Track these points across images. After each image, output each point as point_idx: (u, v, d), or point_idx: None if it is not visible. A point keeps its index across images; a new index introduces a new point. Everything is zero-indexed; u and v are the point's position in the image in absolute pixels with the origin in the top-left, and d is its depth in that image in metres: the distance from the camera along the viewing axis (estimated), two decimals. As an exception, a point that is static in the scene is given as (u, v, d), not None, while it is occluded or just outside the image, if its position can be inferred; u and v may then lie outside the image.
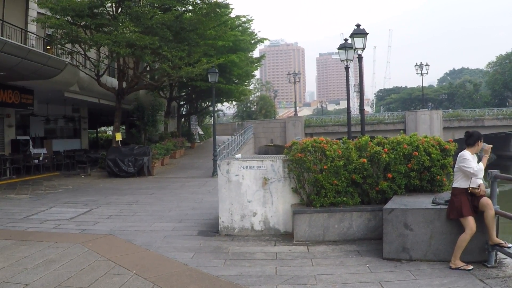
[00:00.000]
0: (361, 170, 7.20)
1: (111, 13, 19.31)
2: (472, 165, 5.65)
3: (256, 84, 79.05)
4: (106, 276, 5.57)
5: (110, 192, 14.25)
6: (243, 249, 6.85)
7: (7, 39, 14.03)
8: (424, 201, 6.42)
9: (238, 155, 8.78)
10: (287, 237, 7.54)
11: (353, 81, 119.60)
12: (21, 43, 17.26)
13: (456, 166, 5.94)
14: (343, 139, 7.90)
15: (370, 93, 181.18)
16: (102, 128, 50.37)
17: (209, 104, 40.75)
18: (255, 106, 74.42)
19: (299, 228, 7.21)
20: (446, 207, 5.91)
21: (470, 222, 5.60)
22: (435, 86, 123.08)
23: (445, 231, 5.88)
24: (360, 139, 7.60)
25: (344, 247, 6.77)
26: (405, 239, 5.99)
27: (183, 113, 42.25)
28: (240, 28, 33.94)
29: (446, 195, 6.20)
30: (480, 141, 5.92)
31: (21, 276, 5.62)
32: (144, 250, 6.87)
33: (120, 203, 11.88)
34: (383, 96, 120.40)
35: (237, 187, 7.87)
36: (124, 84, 21.76)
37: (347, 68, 15.96)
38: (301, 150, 7.37)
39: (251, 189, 7.84)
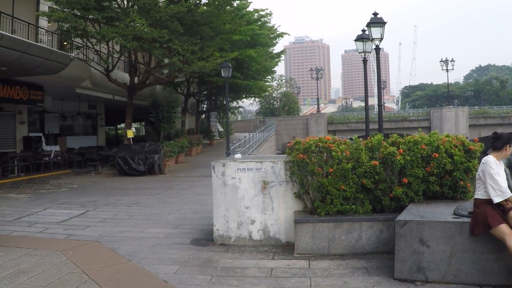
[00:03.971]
0: (372, 174, 6.26)
1: (121, 6, 18.69)
2: (499, 185, 4.75)
3: (279, 81, 78.13)
4: (72, 295, 4.86)
5: (114, 192, 13.61)
6: (235, 263, 6.03)
7: (4, 33, 13.46)
8: (444, 212, 5.50)
9: (238, 155, 7.95)
10: (288, 248, 6.67)
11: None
12: (32, 39, 16.79)
13: (477, 173, 5.00)
14: (353, 137, 6.93)
15: (395, 90, 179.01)
16: (122, 125, 50.12)
17: (229, 100, 40.15)
18: (278, 103, 73.49)
19: (301, 240, 6.32)
20: (469, 220, 4.98)
21: (504, 230, 4.64)
22: (461, 83, 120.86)
23: (468, 248, 4.95)
24: (372, 137, 6.66)
25: (351, 262, 5.88)
26: (420, 257, 5.08)
27: (203, 109, 41.67)
28: (259, 22, 33.13)
29: (470, 205, 5.25)
30: (509, 146, 4.97)
31: (-20, 291, 4.98)
32: (125, 262, 6.13)
33: (119, 204, 11.20)
34: (408, 93, 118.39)
35: (233, 191, 7.02)
36: (136, 80, 21.18)
37: (365, 61, 14.98)
38: (304, 150, 6.47)
39: (249, 193, 6.99)
